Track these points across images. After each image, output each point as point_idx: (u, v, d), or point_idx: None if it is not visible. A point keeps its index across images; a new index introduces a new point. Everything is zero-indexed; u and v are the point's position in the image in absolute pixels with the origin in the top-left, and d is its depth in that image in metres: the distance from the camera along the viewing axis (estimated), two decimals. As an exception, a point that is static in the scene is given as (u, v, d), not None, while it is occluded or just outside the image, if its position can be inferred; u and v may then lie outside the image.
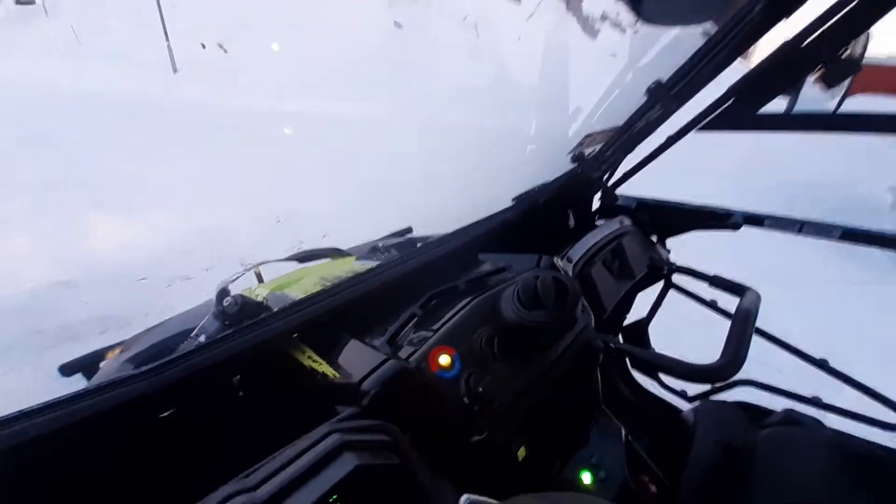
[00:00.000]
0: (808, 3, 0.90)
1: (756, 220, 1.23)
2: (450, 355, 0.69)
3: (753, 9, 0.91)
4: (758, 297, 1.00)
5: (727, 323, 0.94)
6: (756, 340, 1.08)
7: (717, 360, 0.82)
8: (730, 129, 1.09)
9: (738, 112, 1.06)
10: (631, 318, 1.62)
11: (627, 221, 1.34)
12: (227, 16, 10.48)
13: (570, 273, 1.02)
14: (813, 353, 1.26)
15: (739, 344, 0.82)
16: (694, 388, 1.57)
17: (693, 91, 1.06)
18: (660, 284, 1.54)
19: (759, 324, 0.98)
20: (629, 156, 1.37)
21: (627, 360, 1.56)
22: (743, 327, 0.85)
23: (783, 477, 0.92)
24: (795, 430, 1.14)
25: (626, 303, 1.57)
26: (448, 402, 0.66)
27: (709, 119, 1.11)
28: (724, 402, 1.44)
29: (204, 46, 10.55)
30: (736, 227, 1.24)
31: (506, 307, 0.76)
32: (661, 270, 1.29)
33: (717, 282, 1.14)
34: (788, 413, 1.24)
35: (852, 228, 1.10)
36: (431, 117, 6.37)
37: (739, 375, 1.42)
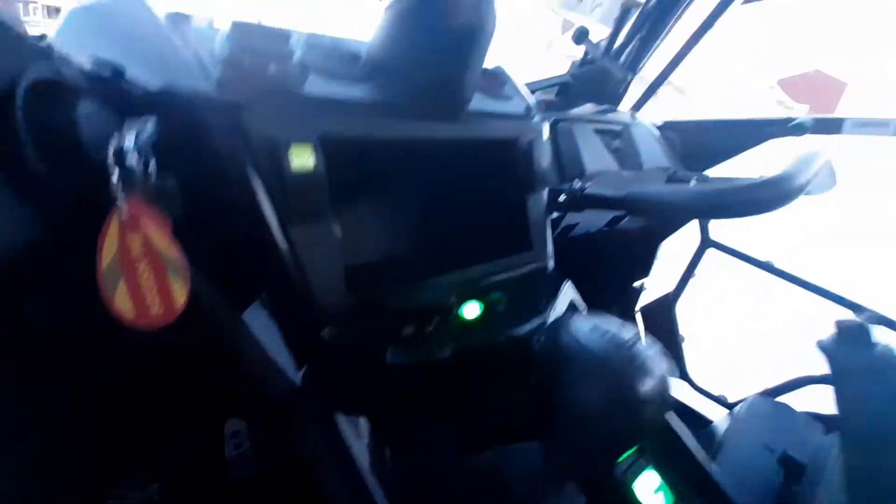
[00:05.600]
0: None
1: (830, 124, 0.89)
2: None
3: None
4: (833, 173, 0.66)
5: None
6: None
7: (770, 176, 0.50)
8: None
9: None
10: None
11: (652, 128, 1.04)
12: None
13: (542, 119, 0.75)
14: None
15: (799, 166, 0.50)
16: (736, 395, 1.13)
17: None
18: (693, 247, 1.19)
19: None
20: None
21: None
22: (807, 158, 0.53)
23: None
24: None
25: (645, 257, 1.21)
26: None
27: None
28: (779, 402, 1.00)
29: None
30: (799, 131, 0.90)
31: None
32: (686, 181, 0.96)
33: None
34: None
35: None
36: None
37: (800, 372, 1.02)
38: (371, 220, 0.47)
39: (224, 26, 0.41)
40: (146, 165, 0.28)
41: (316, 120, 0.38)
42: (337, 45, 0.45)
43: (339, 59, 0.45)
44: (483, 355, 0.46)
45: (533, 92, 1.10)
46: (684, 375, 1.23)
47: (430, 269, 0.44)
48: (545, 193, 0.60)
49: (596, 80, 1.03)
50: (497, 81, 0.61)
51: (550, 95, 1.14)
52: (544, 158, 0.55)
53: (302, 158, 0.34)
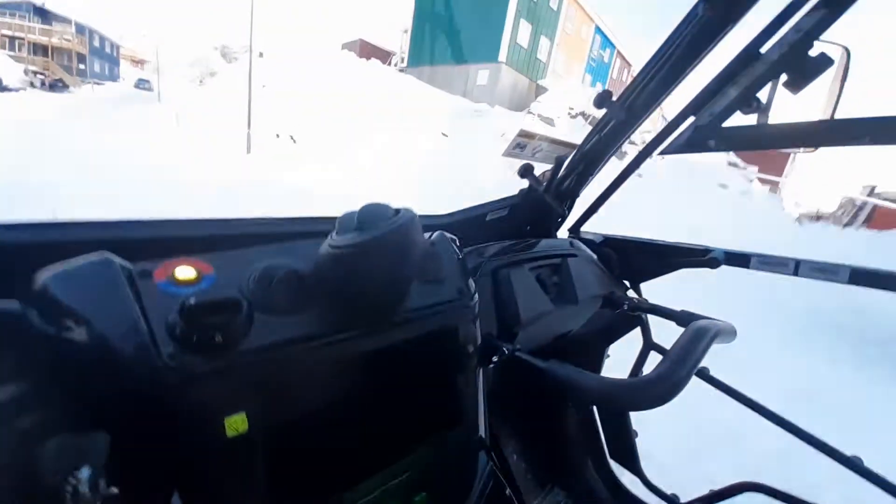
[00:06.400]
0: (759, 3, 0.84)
1: (740, 258, 1.01)
2: None
3: (698, 12, 0.86)
4: (730, 329, 0.75)
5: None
6: (774, 435, 0.96)
7: (648, 374, 0.59)
8: (692, 149, 0.97)
9: (700, 130, 0.95)
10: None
11: (588, 252, 1.16)
12: (303, 116, 12.35)
13: (480, 271, 0.84)
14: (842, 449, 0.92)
15: (682, 358, 0.58)
16: (688, 493, 1.18)
17: (646, 104, 0.97)
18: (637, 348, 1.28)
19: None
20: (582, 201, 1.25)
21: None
22: (692, 342, 0.61)
23: None
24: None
25: (595, 356, 1.30)
26: None
27: (668, 141, 1.01)
28: None
29: (278, 136, 12.38)
30: (714, 264, 1.02)
31: None
32: (620, 306, 1.06)
33: (684, 319, 0.90)
34: None
35: (864, 269, 0.87)
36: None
37: (746, 477, 1.09)
38: (297, 434, 0.52)
39: (184, 275, 0.48)
40: (95, 486, 0.34)
41: (256, 375, 0.45)
42: (286, 276, 0.52)
43: (285, 289, 0.51)
44: None
45: (489, 212, 1.22)
46: (637, 472, 1.29)
47: (353, 476, 0.49)
48: (475, 363, 0.67)
49: (538, 208, 1.15)
50: (435, 261, 0.68)
51: (504, 212, 1.26)
52: (472, 343, 0.63)
53: (235, 427, 0.41)
